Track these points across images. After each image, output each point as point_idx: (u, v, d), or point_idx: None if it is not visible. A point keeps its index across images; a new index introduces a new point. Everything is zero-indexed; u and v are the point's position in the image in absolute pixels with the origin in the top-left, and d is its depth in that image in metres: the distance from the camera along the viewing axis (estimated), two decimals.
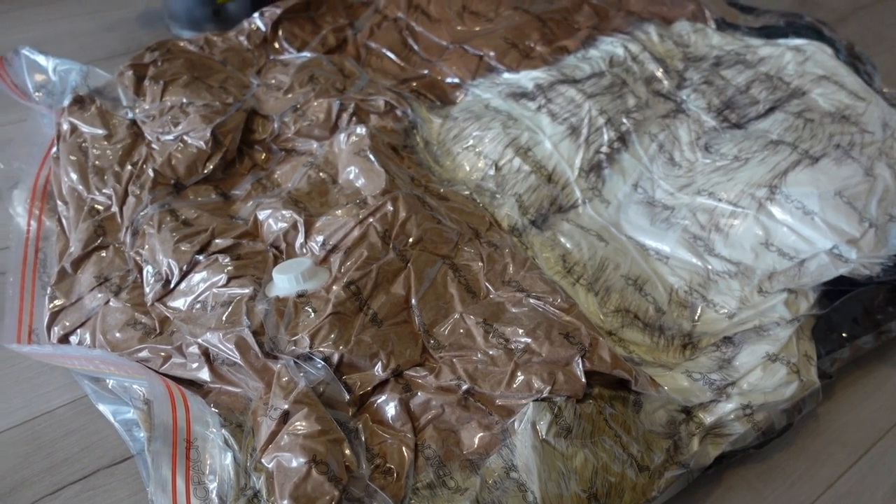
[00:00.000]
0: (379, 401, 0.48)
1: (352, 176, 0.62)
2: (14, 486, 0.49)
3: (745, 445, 0.53)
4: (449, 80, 0.79)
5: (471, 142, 0.71)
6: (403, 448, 0.45)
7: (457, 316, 0.52)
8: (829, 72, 0.77)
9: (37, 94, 0.70)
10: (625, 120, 0.73)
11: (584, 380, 0.47)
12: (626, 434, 0.47)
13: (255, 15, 0.83)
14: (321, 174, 0.63)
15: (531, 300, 0.53)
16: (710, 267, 0.65)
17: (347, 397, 0.47)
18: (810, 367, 0.55)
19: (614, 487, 0.45)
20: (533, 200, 0.67)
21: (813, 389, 0.54)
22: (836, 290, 0.61)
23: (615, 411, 0.48)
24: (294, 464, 0.41)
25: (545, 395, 0.46)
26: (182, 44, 0.77)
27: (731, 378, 0.53)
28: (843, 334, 0.60)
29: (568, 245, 0.64)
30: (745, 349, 0.56)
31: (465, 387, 0.48)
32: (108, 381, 0.52)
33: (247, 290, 0.52)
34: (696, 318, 0.61)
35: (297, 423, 0.43)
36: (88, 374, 0.52)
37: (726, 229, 0.67)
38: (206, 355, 0.50)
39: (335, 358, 0.48)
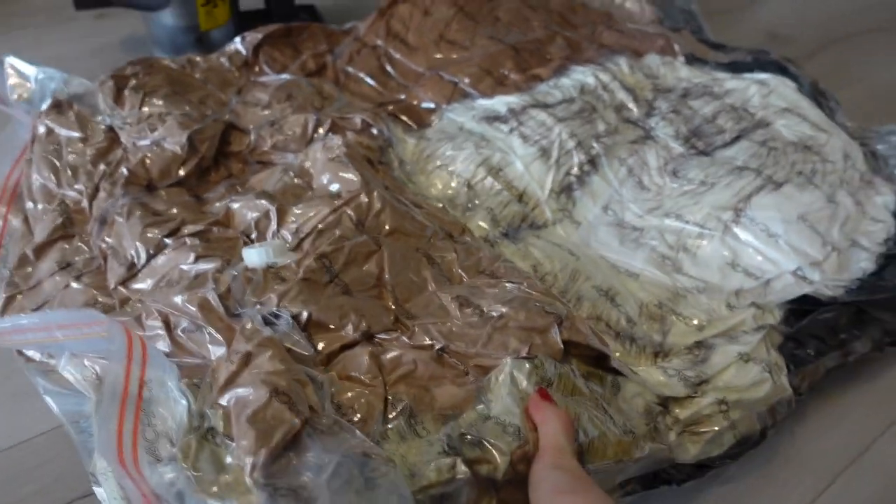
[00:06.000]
0: (347, 357, 0.47)
1: (326, 181, 0.62)
2: None
3: (723, 453, 0.53)
4: (424, 104, 0.81)
5: (444, 161, 0.72)
6: (373, 399, 0.43)
7: (430, 293, 0.52)
8: (791, 104, 0.81)
9: (15, 97, 0.71)
10: (595, 144, 0.75)
11: (561, 346, 0.46)
12: (608, 405, 0.47)
13: (236, 39, 0.84)
14: (296, 180, 0.63)
15: (506, 284, 0.52)
16: (678, 284, 0.66)
17: (311, 352, 0.45)
18: (781, 374, 0.56)
19: (598, 439, 0.44)
20: (504, 215, 0.68)
21: (785, 396, 0.55)
22: (801, 310, 0.62)
23: (594, 387, 0.47)
24: (253, 395, 0.39)
25: (523, 354, 0.45)
26: (164, 61, 0.79)
27: (705, 375, 0.54)
28: (810, 351, 0.61)
29: (539, 256, 0.64)
30: (717, 350, 0.56)
31: (439, 345, 0.47)
32: (59, 366, 0.50)
33: (214, 265, 0.51)
34: (667, 329, 0.61)
35: (260, 364, 0.41)
36: (42, 349, 0.51)
37: (694, 250, 0.68)
38: (167, 324, 0.48)
39: (303, 316, 0.47)
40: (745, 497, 0.53)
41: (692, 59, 0.87)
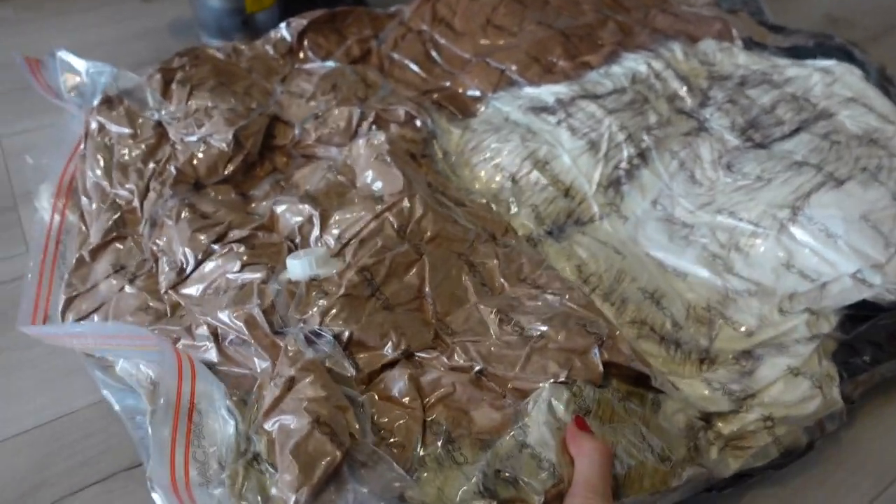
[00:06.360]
0: (387, 377, 0.47)
1: (369, 180, 0.62)
2: (35, 486, 0.50)
3: (766, 464, 0.51)
4: (470, 92, 0.80)
5: (489, 154, 0.71)
6: (412, 423, 0.44)
7: (471, 306, 0.52)
8: (857, 94, 0.76)
9: (68, 94, 0.72)
10: (645, 136, 0.72)
11: (601, 368, 0.45)
12: (646, 428, 0.46)
13: (281, 25, 0.84)
14: (339, 177, 0.64)
15: (547, 296, 0.52)
16: (729, 286, 0.64)
17: (353, 373, 0.46)
18: (832, 386, 0.54)
19: (634, 469, 0.43)
20: (549, 212, 0.67)
21: (835, 409, 0.53)
22: (858, 315, 0.60)
23: (634, 406, 0.47)
24: (296, 424, 0.40)
25: (561, 379, 0.45)
26: (210, 51, 0.79)
27: (751, 389, 0.52)
28: (865, 359, 0.58)
29: (584, 256, 0.63)
30: (765, 362, 0.54)
31: (477, 367, 0.47)
32: (116, 365, 0.52)
33: (259, 275, 0.52)
34: (714, 334, 0.60)
35: (302, 389, 0.42)
36: (99, 353, 0.52)
37: (746, 249, 0.66)
38: (215, 335, 0.49)
39: (345, 335, 0.47)
40: (794, 501, 0.52)
41: (750, 44, 0.83)
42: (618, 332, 0.48)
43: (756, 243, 0.65)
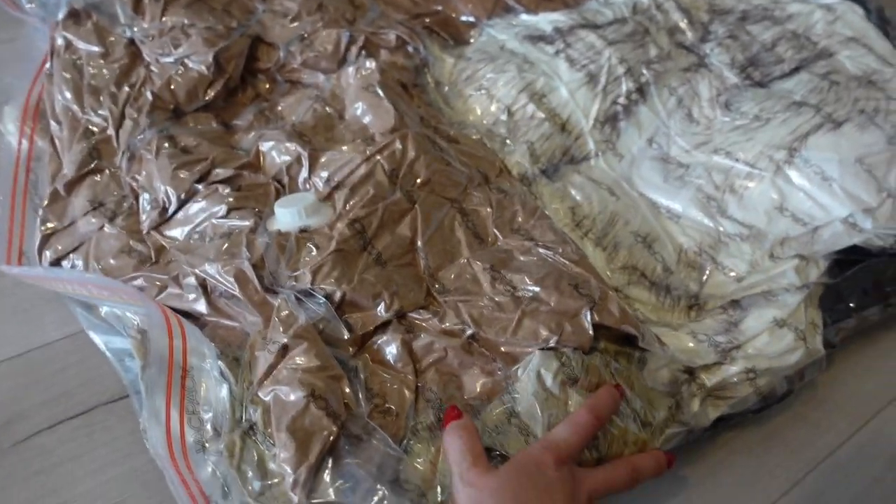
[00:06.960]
0: (380, 341, 0.47)
1: (359, 112, 0.59)
2: (10, 419, 0.48)
3: (745, 409, 0.52)
4: (464, 18, 0.76)
5: (484, 84, 0.68)
6: (404, 389, 0.44)
7: (463, 261, 0.51)
8: (858, 33, 0.75)
9: (29, 5, 0.66)
10: (645, 70, 0.70)
11: (591, 332, 0.45)
12: (630, 390, 0.46)
13: None
14: (327, 108, 0.60)
15: (540, 249, 0.51)
16: (721, 229, 0.63)
17: (347, 335, 0.46)
18: (816, 335, 0.54)
19: (616, 440, 0.44)
20: (545, 149, 0.65)
21: (817, 357, 0.54)
22: (847, 260, 0.60)
23: (620, 366, 0.47)
24: (292, 397, 0.40)
25: (552, 344, 0.45)
26: None
27: (736, 341, 0.52)
28: (851, 304, 0.59)
29: (578, 197, 0.62)
30: (752, 313, 0.54)
31: (469, 331, 0.47)
32: (101, 308, 0.50)
33: (247, 223, 0.50)
34: (705, 279, 0.59)
35: (296, 358, 0.42)
36: (81, 299, 0.50)
37: (741, 191, 0.65)
38: (204, 287, 0.48)
39: (337, 296, 0.47)
40: (773, 438, 0.53)
41: None
42: (609, 293, 0.48)
43: (751, 186, 0.65)
